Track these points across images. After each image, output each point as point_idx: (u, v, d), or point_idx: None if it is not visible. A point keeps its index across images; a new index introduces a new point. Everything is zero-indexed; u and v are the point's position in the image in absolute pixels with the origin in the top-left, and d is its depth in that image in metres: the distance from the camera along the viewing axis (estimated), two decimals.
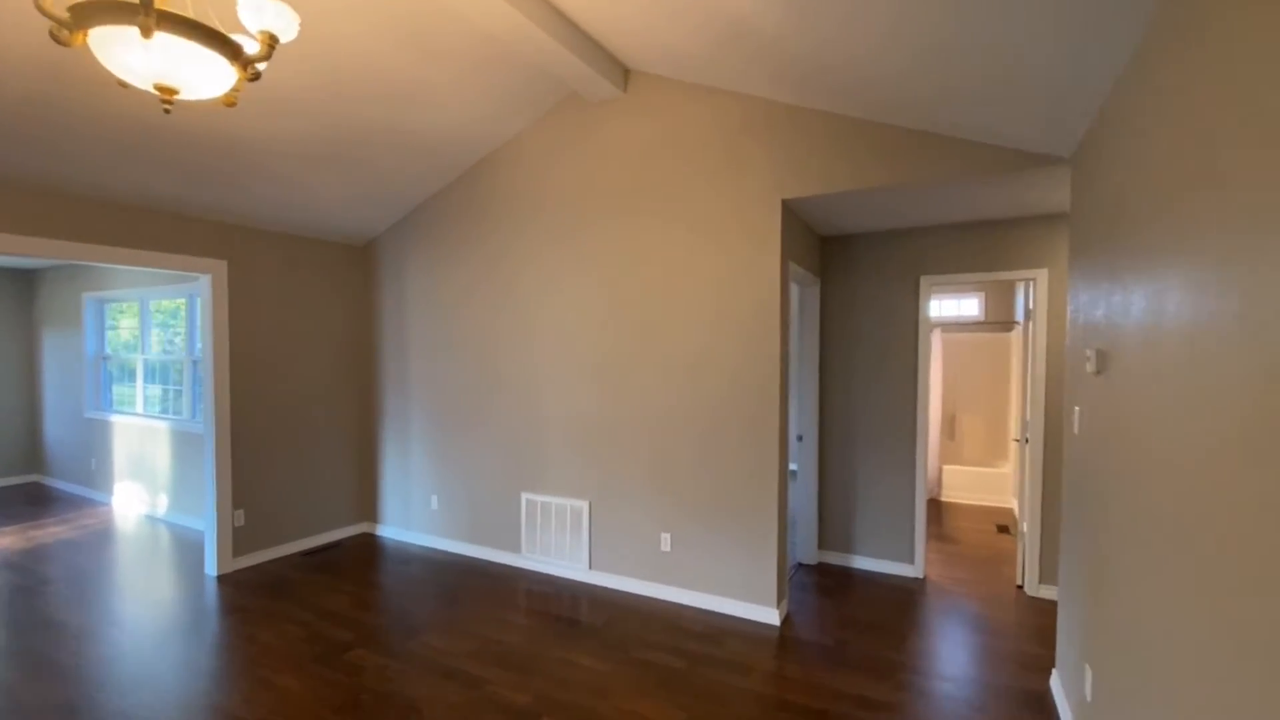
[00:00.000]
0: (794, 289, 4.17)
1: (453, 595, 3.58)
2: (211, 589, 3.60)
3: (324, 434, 4.45)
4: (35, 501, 5.66)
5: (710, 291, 3.32)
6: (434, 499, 4.36)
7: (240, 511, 3.94)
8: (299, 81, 2.82)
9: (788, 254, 3.27)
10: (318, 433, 4.41)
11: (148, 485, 5.22)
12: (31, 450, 6.44)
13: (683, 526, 3.42)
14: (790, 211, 3.30)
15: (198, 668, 2.73)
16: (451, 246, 4.23)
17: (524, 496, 3.94)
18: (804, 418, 4.10)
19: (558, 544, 3.83)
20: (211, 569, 3.84)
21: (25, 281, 6.41)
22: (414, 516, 4.49)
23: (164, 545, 4.42)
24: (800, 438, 4.11)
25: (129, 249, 3.41)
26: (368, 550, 4.32)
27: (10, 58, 2.30)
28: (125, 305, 5.72)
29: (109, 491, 5.58)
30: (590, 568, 3.73)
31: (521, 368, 3.94)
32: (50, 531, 4.70)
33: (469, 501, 4.20)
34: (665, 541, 3.48)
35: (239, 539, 3.93)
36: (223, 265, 3.83)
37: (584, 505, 3.71)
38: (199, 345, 4.88)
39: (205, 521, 3.84)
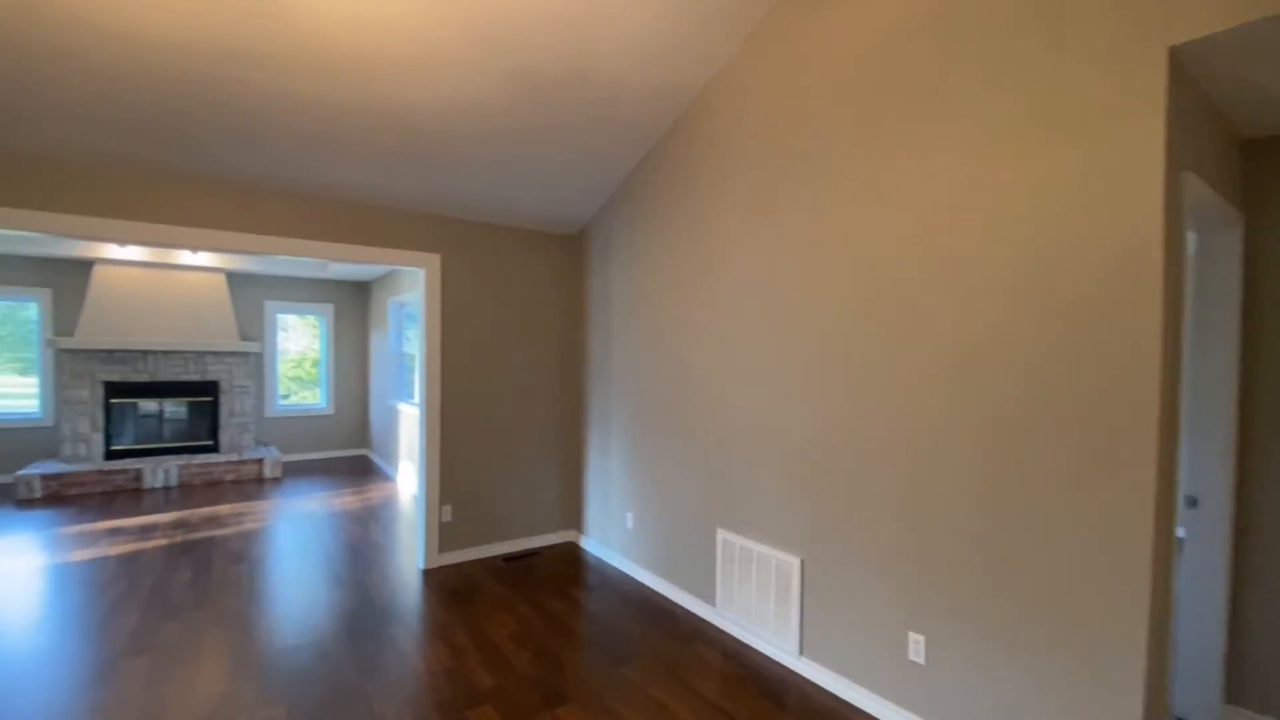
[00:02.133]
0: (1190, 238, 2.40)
1: (635, 641, 2.89)
2: (415, 584, 3.59)
3: (532, 433, 4.25)
4: (355, 471, 6.88)
5: (1005, 243, 1.97)
6: (629, 517, 3.77)
7: (448, 507, 3.91)
8: (490, 66, 2.46)
9: (1178, 162, 1.73)
10: (526, 431, 4.22)
11: (414, 467, 5.83)
12: (362, 429, 7.98)
13: (945, 626, 2.12)
14: (1185, 77, 1.74)
15: (347, 664, 2.56)
16: (648, 223, 3.58)
17: (720, 534, 3.05)
18: (1204, 464, 2.31)
19: (759, 607, 2.84)
20: (420, 561, 3.88)
21: (364, 291, 7.97)
22: (612, 533, 3.97)
23: (404, 528, 4.74)
24: (1194, 501, 2.33)
25: (352, 245, 3.57)
26: (565, 564, 3.94)
27: (267, 67, 2.37)
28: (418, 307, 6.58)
29: (396, 470, 6.46)
30: (800, 652, 2.65)
31: (719, 366, 3.06)
32: (341, 500, 5.52)
33: (661, 527, 3.49)
34: (915, 646, 2.21)
35: (445, 535, 3.91)
36: (436, 259, 3.84)
37: (794, 562, 2.65)
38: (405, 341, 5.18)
39: (418, 513, 3.89)
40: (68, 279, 6.34)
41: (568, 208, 3.97)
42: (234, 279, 7.14)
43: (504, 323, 4.12)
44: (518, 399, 4.18)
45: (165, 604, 3.24)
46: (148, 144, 2.80)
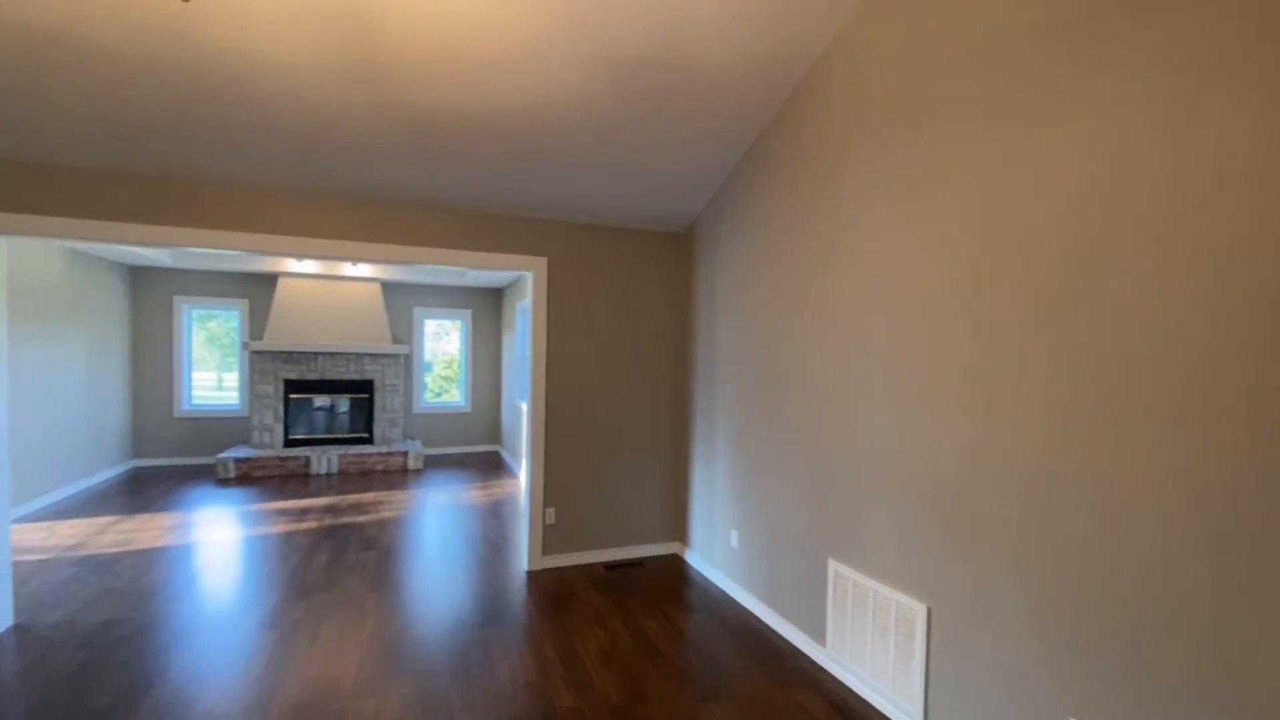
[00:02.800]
0: None
1: (730, 674, 2.62)
2: (517, 585, 3.60)
3: (637, 438, 4.11)
4: (486, 466, 7.26)
5: (1215, 199, 1.43)
6: (734, 535, 3.48)
7: (551, 510, 3.90)
8: (573, 55, 2.38)
9: None
10: (631, 436, 4.09)
11: None
12: (496, 427, 8.43)
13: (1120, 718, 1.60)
14: None
15: (439, 664, 2.58)
16: (754, 216, 3.28)
17: (831, 565, 2.66)
18: None
19: (876, 655, 2.42)
20: (524, 562, 3.90)
21: (497, 297, 8.42)
22: (716, 550, 3.70)
23: (519, 526, 4.84)
24: None
25: (463, 250, 3.68)
26: (666, 578, 3.75)
27: (371, 84, 2.53)
28: None
29: (520, 467, 6.70)
30: (925, 717, 2.20)
31: (834, 374, 2.68)
32: (469, 493, 5.81)
33: (766, 549, 3.15)
34: None
35: (549, 537, 3.90)
36: (542, 262, 3.85)
37: (919, 609, 2.21)
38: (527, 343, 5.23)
39: (524, 514, 3.91)
40: (261, 291, 7.41)
41: (672, 204, 3.78)
42: (388, 288, 7.90)
43: (610, 325, 4.03)
44: (623, 402, 4.07)
45: (302, 584, 3.55)
46: (283, 164, 3.07)
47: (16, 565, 3.78)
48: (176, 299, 7.08)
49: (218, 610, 3.17)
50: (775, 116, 3.05)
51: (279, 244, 3.32)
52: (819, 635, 2.76)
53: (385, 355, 7.40)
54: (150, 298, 6.98)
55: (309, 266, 7.03)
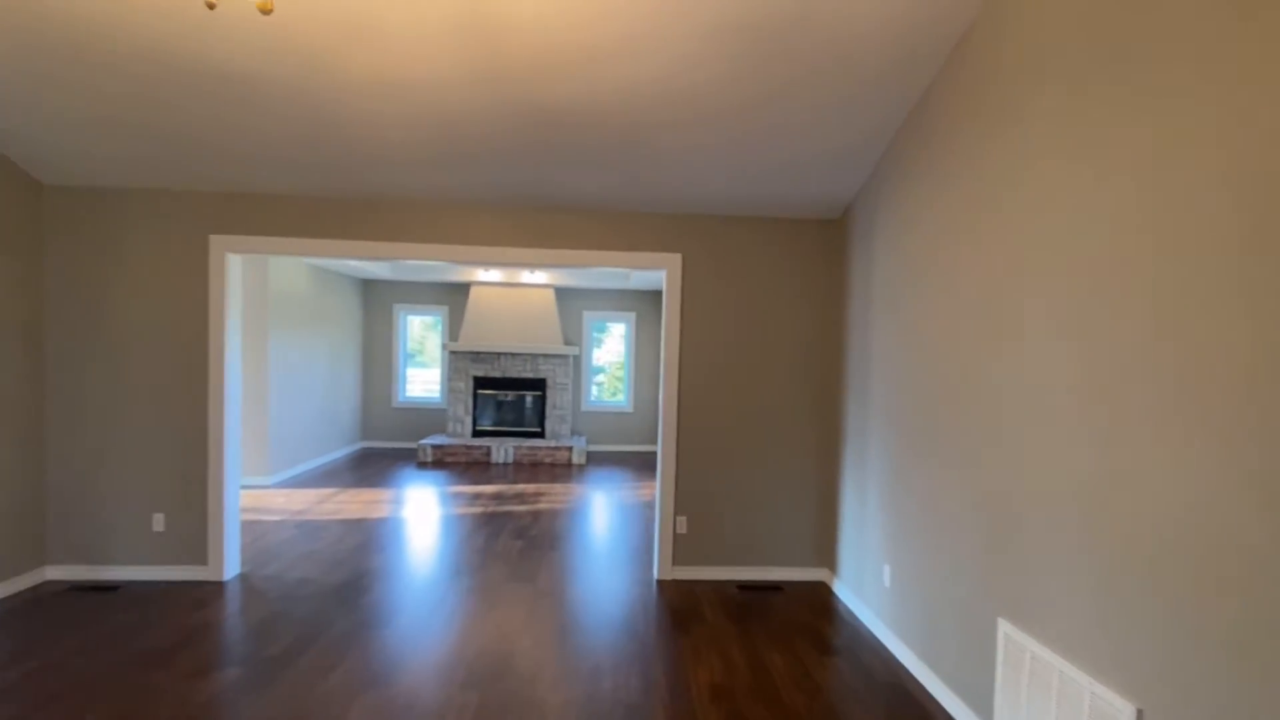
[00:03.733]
0: None
1: None
2: (644, 595, 3.47)
3: (781, 448, 3.72)
4: (644, 466, 7.31)
5: None
6: (886, 570, 2.93)
7: (683, 519, 3.70)
8: (694, 25, 2.22)
9: None
10: (773, 446, 3.72)
11: None
12: (655, 428, 8.46)
13: None
14: None
15: (547, 670, 2.53)
16: (917, 194, 2.72)
17: (1002, 627, 2.06)
18: None
19: None
20: (655, 570, 3.75)
21: (659, 299, 8.46)
22: (866, 584, 3.17)
23: None
24: None
25: (597, 250, 3.66)
26: (806, 609, 3.31)
27: (522, 79, 2.66)
28: None
29: None
30: None
31: (1014, 391, 2.08)
32: (621, 492, 5.85)
33: (924, 593, 2.58)
34: None
35: (680, 547, 3.70)
36: (676, 259, 3.68)
37: (1125, 710, 1.57)
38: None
39: (656, 520, 3.77)
40: (457, 298, 8.36)
41: (820, 188, 3.33)
42: (560, 293, 8.38)
43: (750, 324, 3.71)
44: (764, 408, 3.71)
45: (455, 566, 3.83)
46: (440, 176, 3.32)
47: (258, 524, 4.66)
48: (395, 306, 8.30)
49: (377, 582, 3.54)
50: (940, 73, 2.49)
51: (424, 251, 3.61)
52: (983, 708, 2.17)
53: (556, 356, 7.85)
54: (376, 306, 8.27)
55: (494, 275, 7.74)
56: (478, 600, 3.30)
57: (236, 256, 3.61)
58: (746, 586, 3.60)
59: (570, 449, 7.39)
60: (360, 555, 3.98)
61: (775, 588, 3.60)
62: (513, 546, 4.23)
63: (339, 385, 7.50)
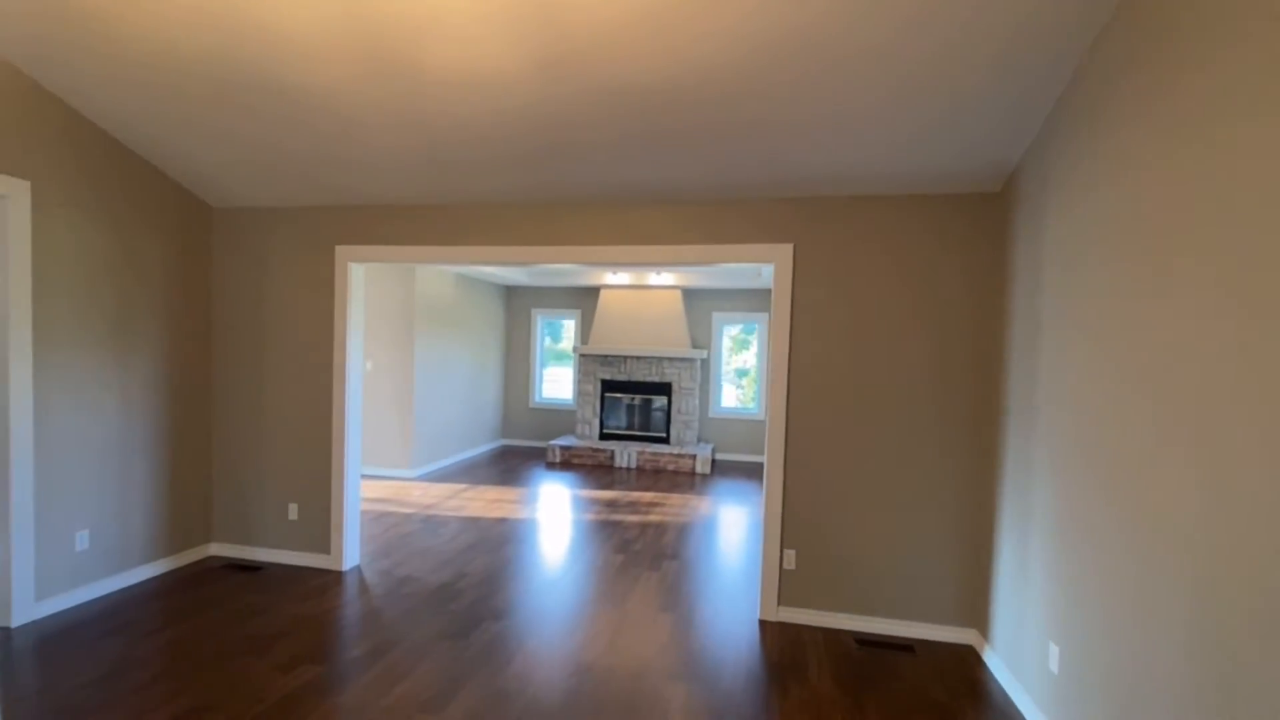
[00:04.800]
0: None
1: None
2: (742, 635, 3.04)
3: (914, 477, 3.06)
4: None
5: None
6: (1052, 651, 2.20)
7: (791, 552, 3.19)
8: None
9: None
10: (905, 474, 3.07)
11: None
12: None
13: None
14: None
15: (611, 715, 2.25)
16: (1104, 151, 1.99)
17: None
18: None
19: None
20: (755, 608, 3.28)
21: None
22: (1025, 661, 2.43)
23: None
24: None
25: (698, 245, 3.30)
26: (948, 682, 2.65)
27: (593, 61, 2.50)
28: None
29: None
30: None
31: (1253, 421, 1.36)
32: (741, 508, 5.38)
33: (1108, 695, 1.85)
34: None
35: (787, 585, 3.20)
36: (786, 250, 3.19)
37: None
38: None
39: (759, 550, 3.31)
40: (589, 302, 8.45)
41: (976, 149, 2.65)
42: (689, 294, 8.08)
43: (878, 327, 3.10)
44: (895, 427, 3.08)
45: (547, 577, 3.71)
46: (527, 179, 3.21)
47: (390, 515, 4.97)
48: (533, 311, 8.61)
49: (470, 588, 3.52)
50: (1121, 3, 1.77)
51: (506, 254, 3.51)
52: None
53: (681, 359, 7.57)
54: (516, 310, 8.65)
55: (622, 278, 7.67)
56: (557, 621, 3.12)
57: (359, 265, 3.82)
58: (867, 641, 2.99)
59: (694, 457, 7.05)
60: (465, 556, 4.02)
61: (905, 647, 2.95)
62: (612, 561, 4.01)
63: (481, 385, 7.93)
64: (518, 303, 8.65)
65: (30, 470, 2.95)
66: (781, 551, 3.20)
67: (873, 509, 3.09)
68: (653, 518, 5.08)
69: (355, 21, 2.25)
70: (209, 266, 3.91)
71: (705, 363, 7.99)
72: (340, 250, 3.76)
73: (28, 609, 2.96)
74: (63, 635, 2.82)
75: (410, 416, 6.43)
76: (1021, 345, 2.57)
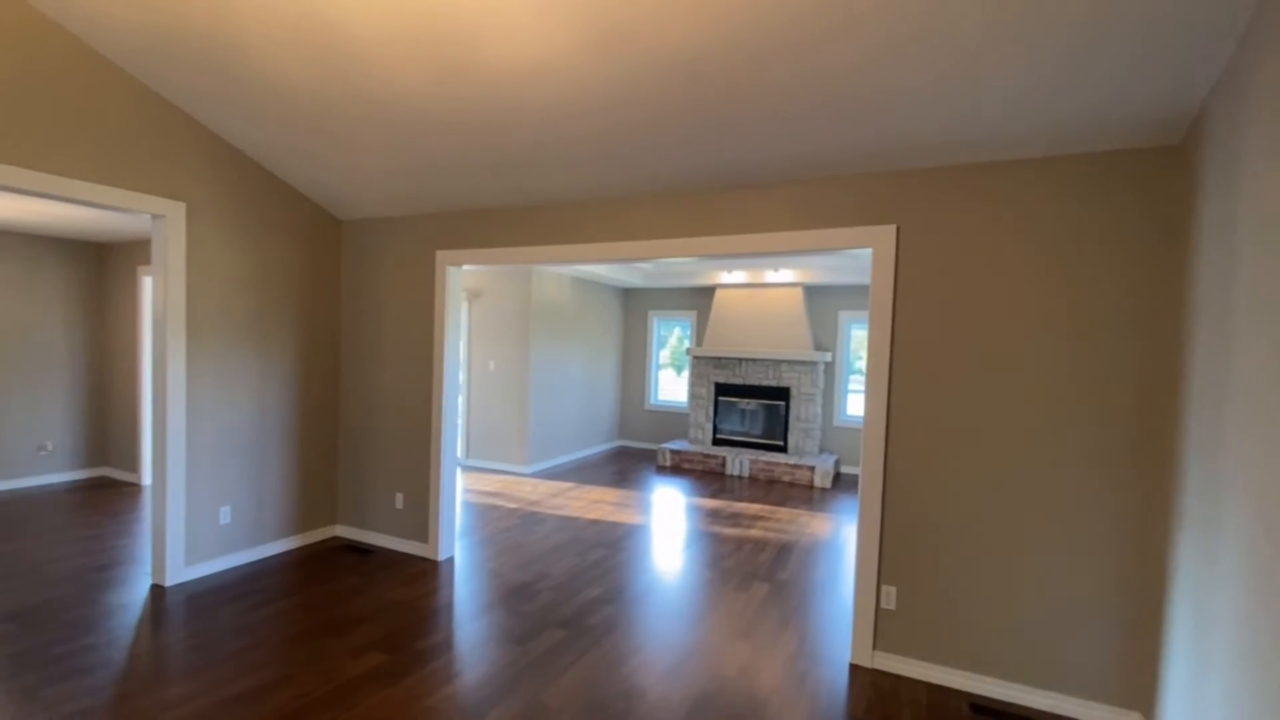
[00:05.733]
0: None
1: None
2: (831, 683, 2.64)
3: (1054, 510, 2.44)
4: None
5: None
6: None
7: (891, 590, 2.71)
8: None
9: None
10: (1041, 504, 2.46)
11: None
12: None
13: None
14: None
15: None
16: None
17: None
18: None
19: None
20: (847, 650, 2.84)
21: None
22: None
23: None
24: None
25: (789, 232, 2.95)
26: None
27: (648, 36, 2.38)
28: None
29: None
30: None
31: None
32: (852, 529, 4.81)
33: None
34: None
35: (885, 627, 2.72)
36: (888, 232, 2.73)
37: None
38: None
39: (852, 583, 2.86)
40: (704, 302, 8.21)
41: (1133, 91, 2.03)
42: (812, 292, 7.50)
43: (1005, 321, 2.53)
44: (1026, 449, 2.48)
45: (629, 592, 3.55)
46: (599, 172, 3.09)
47: (496, 509, 5.14)
48: (650, 313, 8.57)
49: (544, 591, 3.47)
50: None
51: (604, 251, 3.39)
52: None
53: (802, 362, 7.03)
54: (633, 312, 8.66)
55: (737, 276, 7.34)
56: (620, 637, 2.94)
57: (456, 269, 3.97)
58: (986, 709, 2.44)
59: (813, 469, 6.49)
60: (552, 557, 4.01)
61: None
62: (698, 576, 3.75)
63: (597, 386, 8.04)
64: (634, 304, 8.65)
65: (183, 452, 3.42)
66: (879, 587, 2.73)
67: (995, 545, 2.52)
68: (753, 532, 4.71)
69: (413, 18, 2.27)
70: (337, 274, 4.30)
71: (829, 366, 7.36)
72: (440, 255, 3.94)
73: (179, 571, 3.43)
74: (199, 598, 3.22)
75: (526, 415, 6.66)
76: (1207, 350, 1.91)
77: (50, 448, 5.55)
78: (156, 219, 3.29)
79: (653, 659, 2.74)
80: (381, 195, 3.82)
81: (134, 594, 3.25)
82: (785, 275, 7.06)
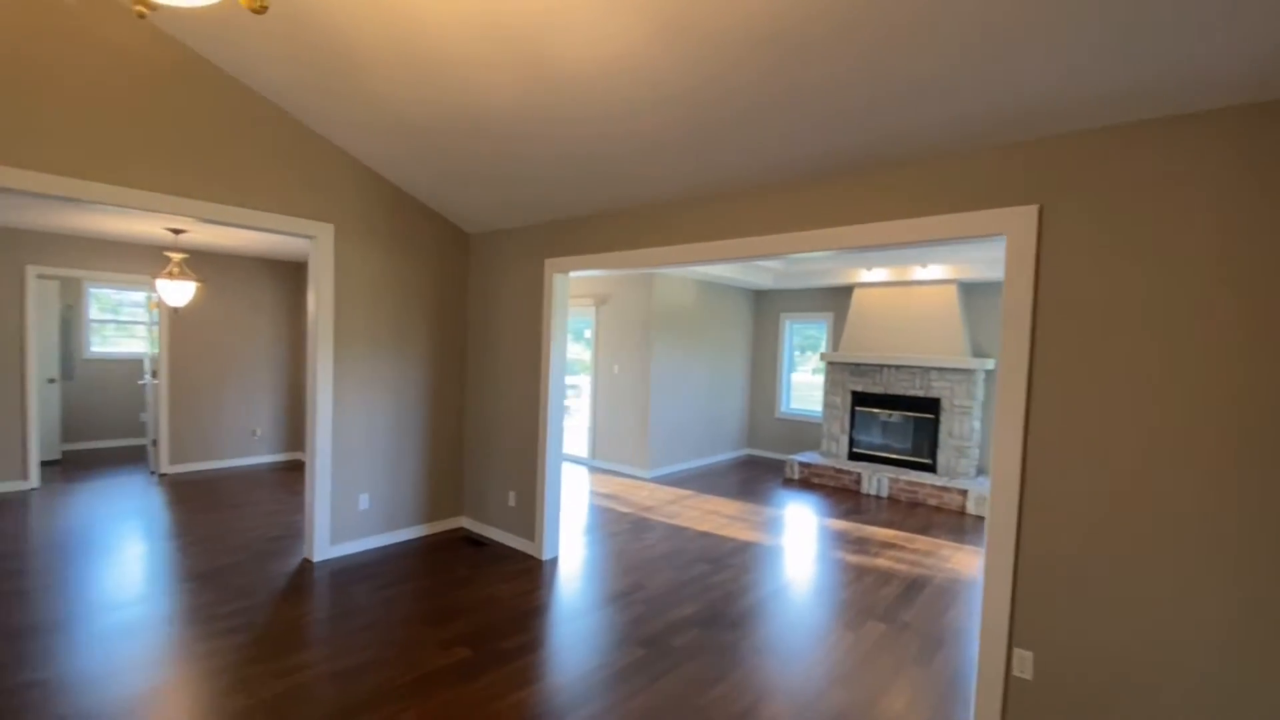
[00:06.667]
0: None
1: None
2: None
3: (1256, 579, 1.80)
4: None
5: None
6: None
7: (1026, 655, 2.20)
8: None
9: None
10: (1240, 569, 1.83)
11: None
12: None
13: None
14: None
15: None
16: None
17: None
18: None
19: None
20: (969, 712, 2.35)
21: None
22: None
23: None
24: None
25: (898, 221, 2.56)
26: None
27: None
28: None
29: None
30: None
31: None
32: None
33: None
34: None
35: (1017, 700, 2.21)
36: (1027, 215, 2.23)
37: None
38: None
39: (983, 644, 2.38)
40: (841, 303, 7.60)
41: None
42: (971, 289, 6.57)
43: (1192, 322, 1.93)
44: (1225, 479, 1.86)
45: (712, 614, 3.33)
46: (687, 167, 2.94)
47: (610, 512, 5.18)
48: (781, 315, 8.14)
49: (634, 605, 3.36)
50: None
51: (699, 252, 3.22)
52: None
53: (955, 370, 6.18)
54: (764, 315, 8.29)
55: (878, 274, 6.69)
56: (700, 669, 2.74)
57: (562, 275, 4.05)
58: None
59: (965, 493, 5.66)
60: (653, 567, 3.91)
61: None
62: (803, 608, 3.41)
63: (723, 392, 7.81)
64: (765, 307, 8.28)
65: (329, 444, 3.87)
66: (1010, 650, 2.23)
67: (1184, 603, 1.92)
68: (880, 561, 4.20)
69: (493, 22, 2.32)
70: (465, 283, 4.62)
71: (991, 375, 6.39)
72: (547, 263, 4.04)
73: (325, 549, 3.88)
74: (337, 574, 3.61)
75: (646, 419, 6.66)
76: None
77: (259, 433, 6.68)
78: (311, 240, 3.76)
79: (730, 696, 2.51)
80: (495, 207, 4.01)
81: (290, 565, 3.74)
82: (935, 271, 6.28)
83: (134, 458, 6.71)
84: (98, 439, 7.27)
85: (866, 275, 6.78)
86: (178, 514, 4.70)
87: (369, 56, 2.64)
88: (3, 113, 2.58)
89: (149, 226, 4.88)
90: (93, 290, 7.37)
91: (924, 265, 6.34)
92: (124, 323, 7.70)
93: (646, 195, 3.32)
